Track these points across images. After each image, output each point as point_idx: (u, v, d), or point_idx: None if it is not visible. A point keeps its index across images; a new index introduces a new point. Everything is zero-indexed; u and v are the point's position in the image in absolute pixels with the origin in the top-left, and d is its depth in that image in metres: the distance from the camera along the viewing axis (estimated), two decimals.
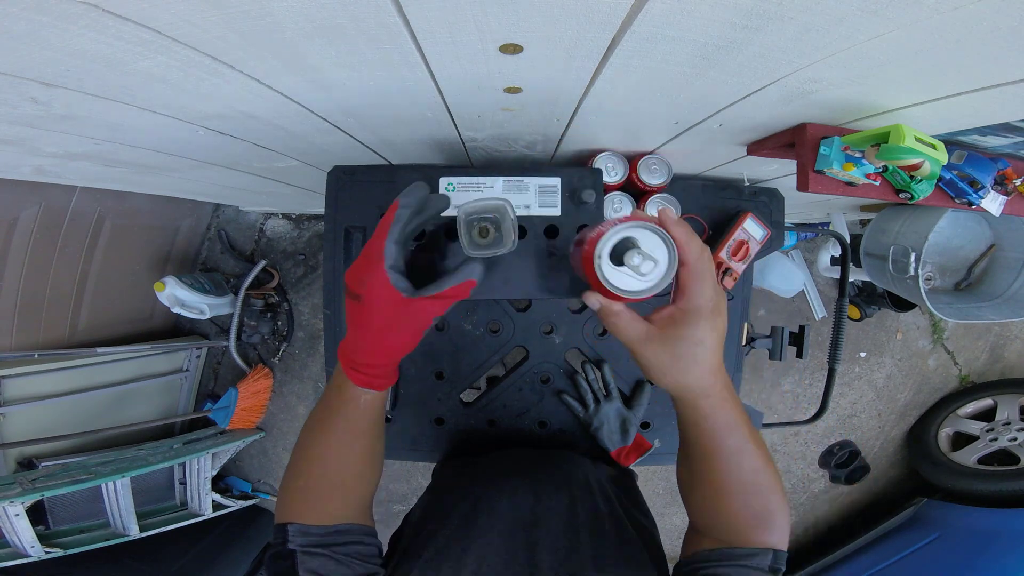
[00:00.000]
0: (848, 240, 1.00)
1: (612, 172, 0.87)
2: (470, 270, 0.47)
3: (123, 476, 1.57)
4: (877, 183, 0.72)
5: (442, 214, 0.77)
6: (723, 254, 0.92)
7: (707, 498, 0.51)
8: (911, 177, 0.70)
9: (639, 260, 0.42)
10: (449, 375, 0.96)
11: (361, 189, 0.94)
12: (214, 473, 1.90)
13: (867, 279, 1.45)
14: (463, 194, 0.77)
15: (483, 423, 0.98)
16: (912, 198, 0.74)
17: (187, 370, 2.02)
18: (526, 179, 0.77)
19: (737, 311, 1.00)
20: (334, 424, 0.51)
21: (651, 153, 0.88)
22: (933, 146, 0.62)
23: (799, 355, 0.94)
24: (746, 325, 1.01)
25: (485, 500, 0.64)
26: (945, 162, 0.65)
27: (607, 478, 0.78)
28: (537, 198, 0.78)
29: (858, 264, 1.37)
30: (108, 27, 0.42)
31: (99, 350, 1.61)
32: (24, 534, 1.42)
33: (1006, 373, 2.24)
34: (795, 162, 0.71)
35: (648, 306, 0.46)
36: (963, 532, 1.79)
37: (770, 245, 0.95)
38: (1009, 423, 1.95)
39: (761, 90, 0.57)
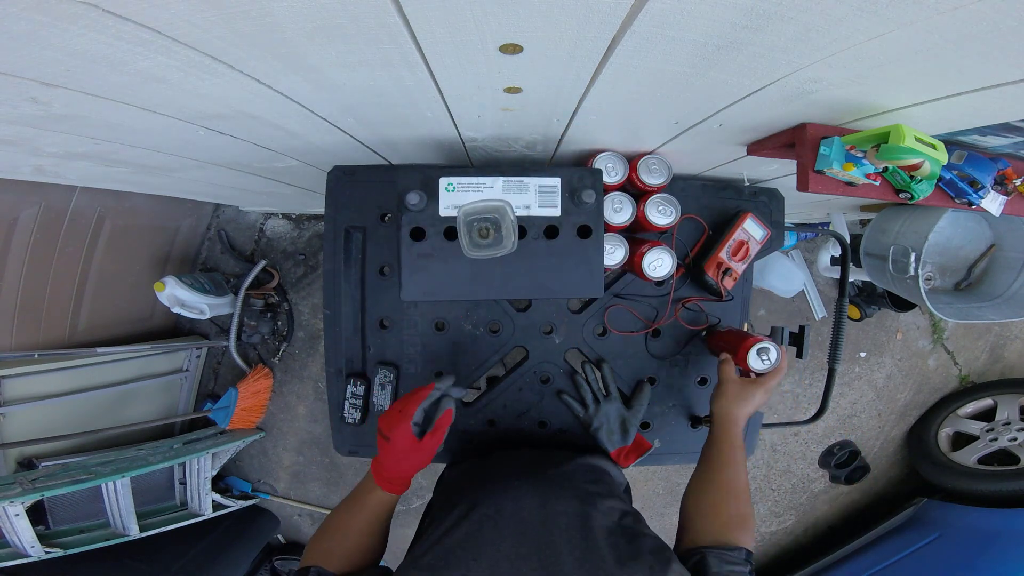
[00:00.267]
0: (848, 240, 1.00)
1: (612, 172, 0.87)
2: (446, 403, 0.73)
3: (123, 476, 1.57)
4: (877, 183, 0.72)
5: (441, 211, 0.78)
6: (723, 254, 0.92)
7: (704, 494, 0.73)
8: (911, 177, 0.70)
9: (769, 357, 0.86)
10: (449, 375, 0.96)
11: (361, 189, 0.94)
12: (214, 473, 1.90)
13: (867, 279, 1.45)
14: (463, 194, 0.77)
15: (483, 423, 0.98)
16: (912, 198, 0.74)
17: (187, 370, 2.02)
18: (526, 179, 0.77)
19: (737, 311, 1.00)
20: (360, 511, 0.70)
21: (651, 153, 0.88)
22: (933, 146, 0.62)
23: (799, 355, 0.94)
24: (746, 325, 1.01)
25: (492, 505, 0.64)
26: (945, 162, 0.65)
27: (609, 480, 0.78)
28: (537, 198, 0.78)
29: (858, 264, 1.37)
30: (108, 27, 0.42)
31: (99, 350, 1.61)
32: (24, 534, 1.42)
33: (1006, 373, 2.24)
34: (795, 162, 0.71)
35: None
36: (963, 532, 1.79)
37: (770, 245, 0.95)
38: (1009, 423, 1.95)
39: (761, 90, 0.57)
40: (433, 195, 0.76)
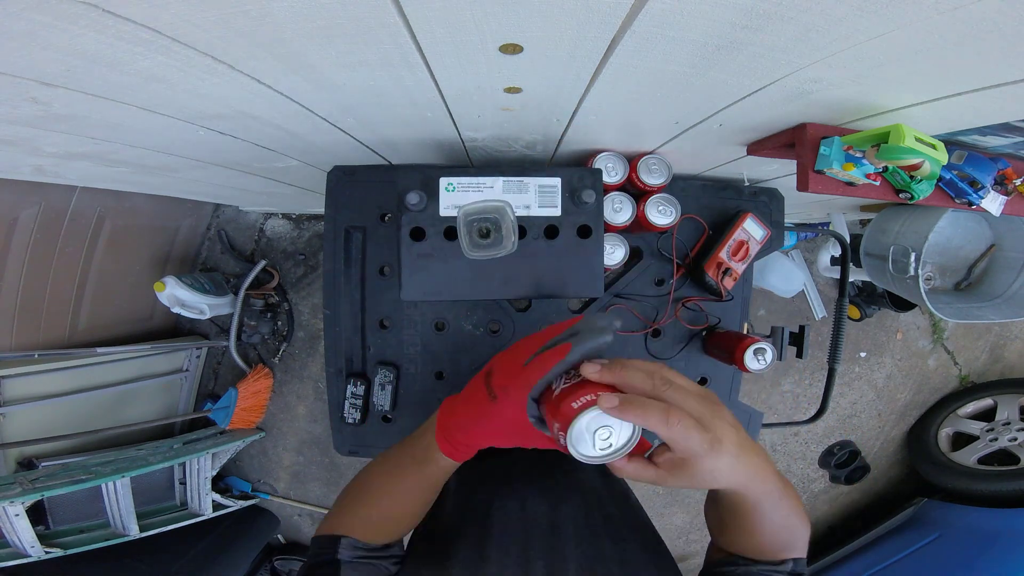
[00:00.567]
0: (848, 240, 1.00)
1: (612, 172, 0.87)
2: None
3: (123, 476, 1.57)
4: (877, 183, 0.72)
5: (441, 211, 0.76)
6: (723, 254, 0.92)
7: (737, 538, 0.52)
8: (911, 177, 0.70)
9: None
10: (449, 375, 0.96)
11: (361, 189, 0.93)
12: (214, 473, 1.90)
13: (867, 279, 1.45)
14: (463, 194, 0.77)
15: None
16: (912, 198, 0.74)
17: (187, 370, 2.02)
18: (526, 179, 0.77)
19: (737, 311, 1.00)
20: (408, 472, 0.56)
21: (651, 153, 0.88)
22: (933, 146, 0.62)
23: (799, 355, 0.94)
24: (746, 325, 1.01)
25: (496, 505, 0.64)
26: (945, 162, 0.65)
27: (615, 481, 0.77)
28: (537, 198, 0.78)
29: (858, 264, 1.37)
30: (108, 27, 0.42)
31: (99, 350, 1.61)
32: (24, 534, 1.42)
33: (1006, 373, 2.24)
34: (795, 162, 0.71)
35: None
36: (963, 532, 1.79)
37: (770, 245, 0.95)
38: (1009, 423, 1.95)
39: (761, 90, 0.57)
40: (433, 195, 0.76)
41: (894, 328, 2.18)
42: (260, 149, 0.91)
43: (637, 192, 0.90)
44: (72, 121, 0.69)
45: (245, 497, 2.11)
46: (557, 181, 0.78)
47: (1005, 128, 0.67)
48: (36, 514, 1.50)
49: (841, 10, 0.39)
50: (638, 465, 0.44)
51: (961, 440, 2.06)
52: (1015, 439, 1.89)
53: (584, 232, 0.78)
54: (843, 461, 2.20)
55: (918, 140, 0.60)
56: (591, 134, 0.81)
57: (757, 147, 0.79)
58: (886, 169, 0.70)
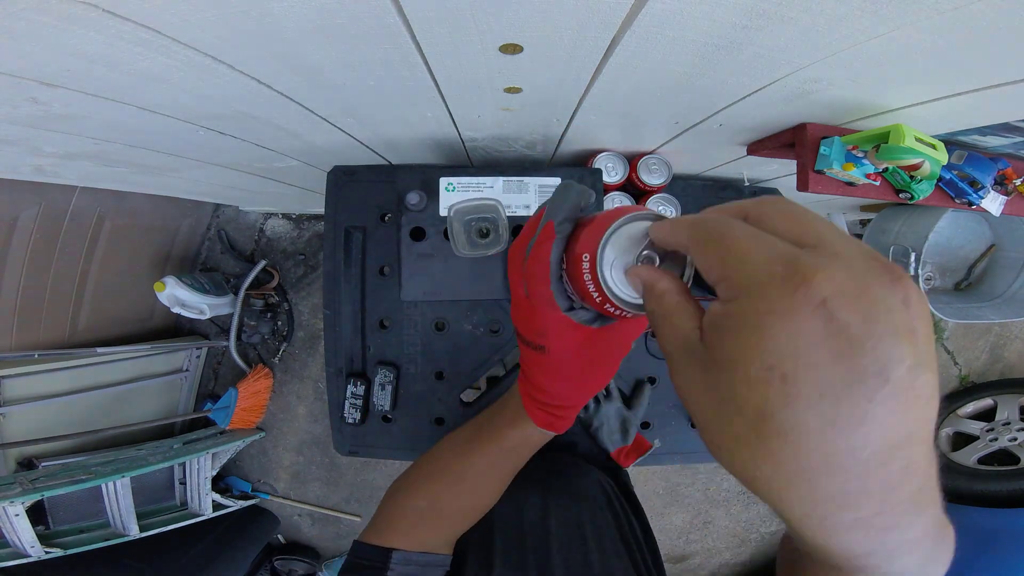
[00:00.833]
0: None
1: (612, 172, 0.87)
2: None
3: (123, 476, 1.57)
4: (877, 183, 0.72)
5: (441, 211, 0.76)
6: None
7: None
8: (911, 177, 0.70)
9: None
10: (449, 375, 0.96)
11: (361, 189, 0.93)
12: (214, 473, 1.90)
13: None
14: (463, 194, 0.77)
15: None
16: (912, 198, 0.74)
17: (187, 370, 2.02)
18: (526, 179, 0.77)
19: None
20: (489, 451, 0.47)
21: (651, 153, 0.88)
22: (933, 146, 0.62)
23: None
24: None
25: (497, 509, 0.63)
26: (945, 162, 0.65)
27: (613, 489, 0.77)
28: (537, 198, 0.78)
29: None
30: (108, 27, 0.42)
31: (99, 350, 1.61)
32: (24, 534, 1.42)
33: (1006, 373, 2.24)
34: (795, 162, 0.71)
35: None
36: (963, 532, 1.77)
37: None
38: (1009, 423, 1.95)
39: (761, 90, 0.57)
40: (433, 195, 0.76)
41: None
42: (260, 149, 0.91)
43: (637, 192, 0.90)
44: (72, 121, 0.69)
45: (245, 497, 2.11)
46: (557, 181, 0.78)
47: (1005, 128, 0.67)
48: (36, 514, 1.50)
49: (841, 10, 0.39)
50: (683, 304, 0.24)
51: (961, 440, 2.06)
52: (1015, 439, 1.89)
53: None
54: None
55: (918, 140, 0.60)
56: (591, 134, 0.81)
57: (757, 147, 0.79)
58: (886, 169, 0.70)
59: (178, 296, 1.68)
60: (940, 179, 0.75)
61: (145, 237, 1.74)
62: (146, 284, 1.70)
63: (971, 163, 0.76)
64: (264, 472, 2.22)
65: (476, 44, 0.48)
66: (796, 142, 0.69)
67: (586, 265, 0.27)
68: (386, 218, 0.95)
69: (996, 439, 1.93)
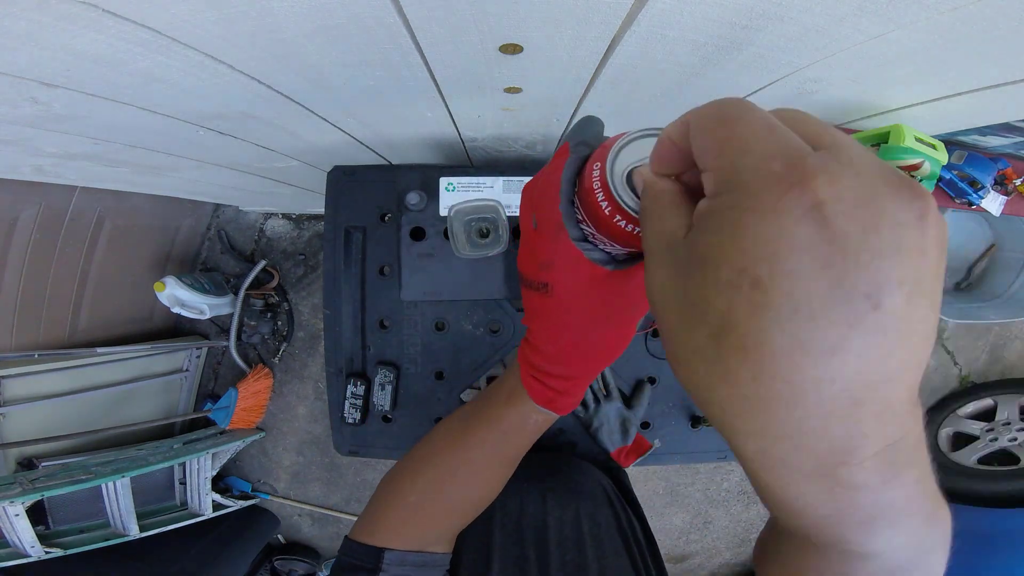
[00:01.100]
0: None
1: None
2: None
3: (123, 476, 1.57)
4: None
5: (441, 211, 0.76)
6: None
7: None
8: (911, 177, 0.70)
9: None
10: (449, 375, 0.96)
11: (361, 189, 0.93)
12: (214, 473, 1.90)
13: None
14: (463, 194, 0.77)
15: None
16: None
17: (187, 370, 2.02)
18: (526, 179, 0.77)
19: None
20: (485, 438, 0.42)
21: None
22: (933, 146, 0.63)
23: None
24: None
25: (500, 509, 0.62)
26: (945, 162, 0.65)
27: (613, 488, 0.77)
28: None
29: None
30: (108, 27, 0.42)
31: (99, 350, 1.61)
32: (24, 534, 1.42)
33: (1006, 373, 2.24)
34: None
35: None
36: (963, 532, 1.77)
37: None
38: (1009, 423, 1.95)
39: (761, 90, 0.57)
40: (433, 195, 0.76)
41: None
42: (260, 149, 0.91)
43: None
44: (72, 121, 0.69)
45: (245, 497, 2.11)
46: None
47: (1005, 128, 0.67)
48: (36, 514, 1.50)
49: (841, 10, 0.39)
50: (674, 198, 0.21)
51: (961, 440, 2.06)
52: (1015, 439, 1.89)
53: None
54: None
55: (918, 140, 0.60)
56: None
57: None
58: None
59: (178, 296, 1.68)
60: (940, 179, 0.75)
61: (145, 237, 1.74)
62: (146, 284, 1.70)
63: (971, 163, 0.76)
64: (264, 472, 2.22)
65: (476, 44, 0.48)
66: None
67: (596, 173, 0.25)
68: (386, 218, 0.95)
69: (996, 439, 1.93)
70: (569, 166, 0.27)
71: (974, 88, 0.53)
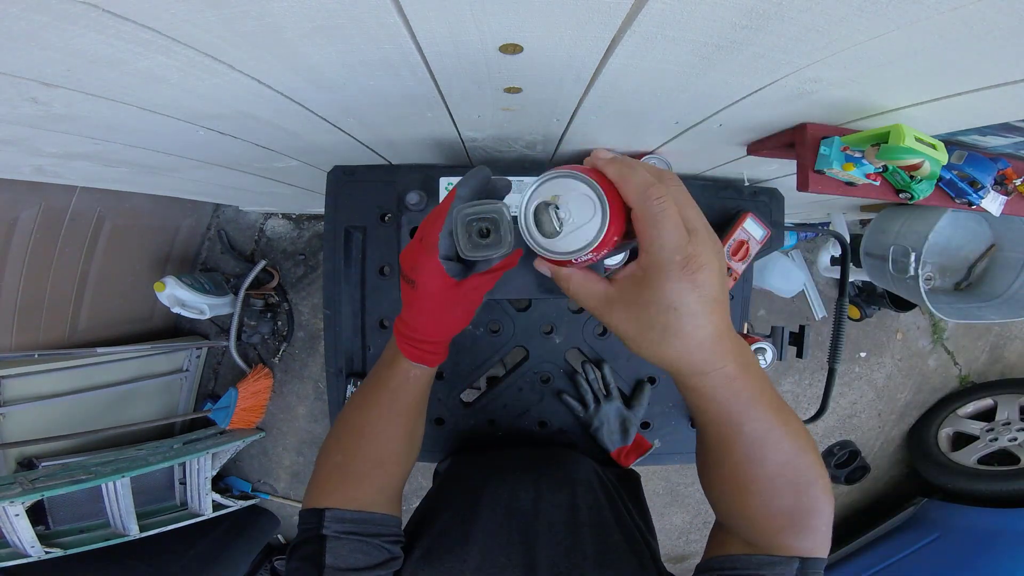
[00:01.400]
0: (848, 240, 1.00)
1: None
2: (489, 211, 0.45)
3: (123, 476, 1.57)
4: (877, 183, 0.72)
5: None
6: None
7: (725, 494, 0.44)
8: (911, 177, 0.70)
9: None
10: (449, 375, 0.96)
11: (361, 189, 0.93)
12: (214, 473, 1.90)
13: (867, 279, 1.45)
14: None
15: (483, 423, 0.98)
16: (912, 198, 0.74)
17: (187, 370, 2.02)
18: (526, 179, 0.77)
19: (737, 311, 1.00)
20: (380, 398, 0.51)
21: (651, 153, 0.88)
22: (933, 146, 0.62)
23: (799, 355, 0.94)
24: (746, 325, 1.01)
25: (488, 490, 0.64)
26: (945, 162, 0.65)
27: (609, 478, 0.77)
28: None
29: (858, 264, 1.37)
30: (108, 27, 0.42)
31: (99, 350, 1.61)
32: (24, 534, 1.42)
33: (1006, 373, 2.24)
34: (795, 162, 0.71)
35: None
36: (963, 532, 1.79)
37: (770, 245, 0.95)
38: (1009, 423, 1.95)
39: (761, 90, 0.57)
40: (433, 195, 0.76)
41: (894, 328, 2.19)
42: (260, 149, 0.91)
43: None
44: (72, 121, 0.69)
45: (245, 497, 2.11)
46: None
47: (1005, 128, 0.67)
48: (36, 514, 1.50)
49: (841, 10, 0.39)
50: (587, 275, 0.39)
51: (961, 440, 2.06)
52: (1015, 439, 1.89)
53: None
54: (843, 461, 2.20)
55: (918, 140, 0.60)
56: (591, 134, 0.81)
57: (757, 147, 0.79)
58: (886, 169, 0.70)
59: (178, 296, 1.68)
60: (940, 179, 0.75)
61: (145, 237, 1.74)
62: (146, 284, 1.70)
63: (971, 163, 0.76)
64: (264, 472, 2.22)
65: (476, 44, 0.48)
66: (796, 142, 0.69)
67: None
68: (386, 218, 0.95)
69: (996, 439, 1.93)
70: (452, 205, 0.43)
71: (974, 88, 0.53)
